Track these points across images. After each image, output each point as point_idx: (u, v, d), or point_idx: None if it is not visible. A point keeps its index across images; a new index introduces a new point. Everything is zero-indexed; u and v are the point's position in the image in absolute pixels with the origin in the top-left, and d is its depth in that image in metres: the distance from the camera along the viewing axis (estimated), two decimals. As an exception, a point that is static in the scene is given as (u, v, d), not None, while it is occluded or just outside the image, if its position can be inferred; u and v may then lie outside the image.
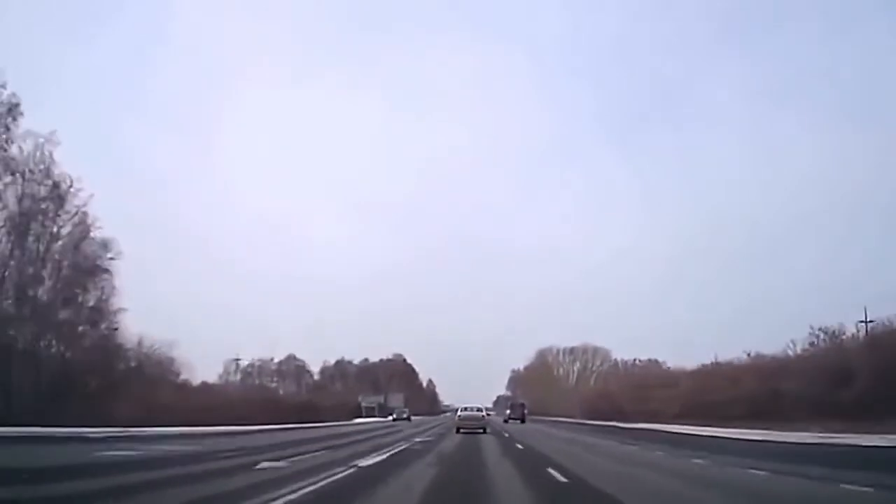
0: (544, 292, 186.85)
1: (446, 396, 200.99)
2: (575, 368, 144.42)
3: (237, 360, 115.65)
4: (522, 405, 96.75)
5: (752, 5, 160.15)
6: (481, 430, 46.28)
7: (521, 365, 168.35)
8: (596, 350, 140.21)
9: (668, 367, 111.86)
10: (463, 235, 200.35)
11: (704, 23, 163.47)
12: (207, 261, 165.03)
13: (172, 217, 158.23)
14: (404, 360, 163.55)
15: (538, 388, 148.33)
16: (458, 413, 53.92)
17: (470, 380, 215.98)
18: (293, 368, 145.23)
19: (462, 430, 46.64)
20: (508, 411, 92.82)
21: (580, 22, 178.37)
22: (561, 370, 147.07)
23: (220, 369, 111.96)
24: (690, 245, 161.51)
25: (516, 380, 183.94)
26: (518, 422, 78.78)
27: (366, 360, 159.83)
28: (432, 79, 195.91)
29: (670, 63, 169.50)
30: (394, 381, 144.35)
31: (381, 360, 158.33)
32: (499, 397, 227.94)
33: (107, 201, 71.71)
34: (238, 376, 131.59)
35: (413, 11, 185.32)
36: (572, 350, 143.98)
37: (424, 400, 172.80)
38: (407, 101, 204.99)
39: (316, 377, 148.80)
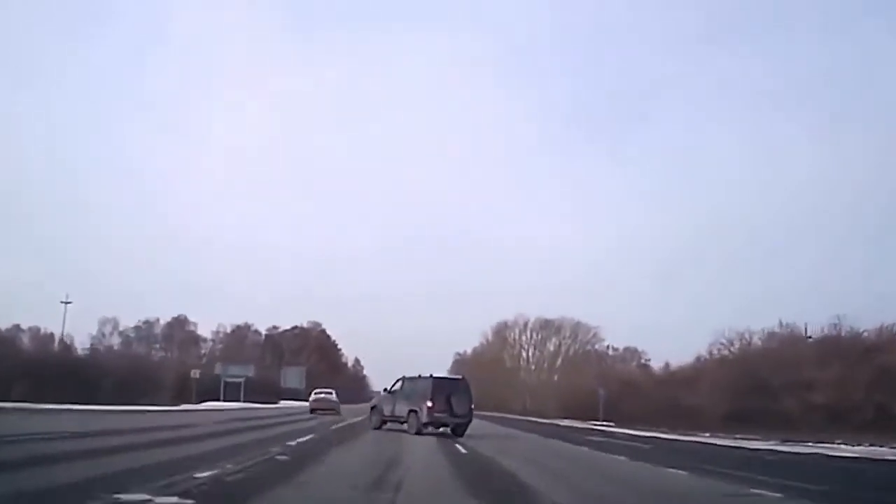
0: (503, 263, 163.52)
1: (378, 383, 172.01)
2: (548, 350, 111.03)
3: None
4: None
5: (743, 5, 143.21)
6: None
7: (470, 346, 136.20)
8: (577, 326, 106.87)
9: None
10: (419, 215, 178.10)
11: (698, 21, 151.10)
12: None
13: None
14: (322, 331, 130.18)
15: (491, 375, 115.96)
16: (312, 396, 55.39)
17: (410, 365, 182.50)
18: (184, 334, 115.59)
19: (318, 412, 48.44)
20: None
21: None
22: (527, 353, 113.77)
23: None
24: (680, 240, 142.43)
25: (461, 366, 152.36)
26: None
27: (274, 328, 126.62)
28: (399, 64, 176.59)
29: (657, 61, 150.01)
30: (304, 354, 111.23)
31: (292, 329, 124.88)
32: None
33: None
34: (117, 339, 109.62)
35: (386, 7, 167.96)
36: (545, 325, 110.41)
37: (347, 383, 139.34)
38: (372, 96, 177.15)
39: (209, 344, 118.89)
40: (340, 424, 35.19)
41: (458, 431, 28.99)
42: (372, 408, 33.69)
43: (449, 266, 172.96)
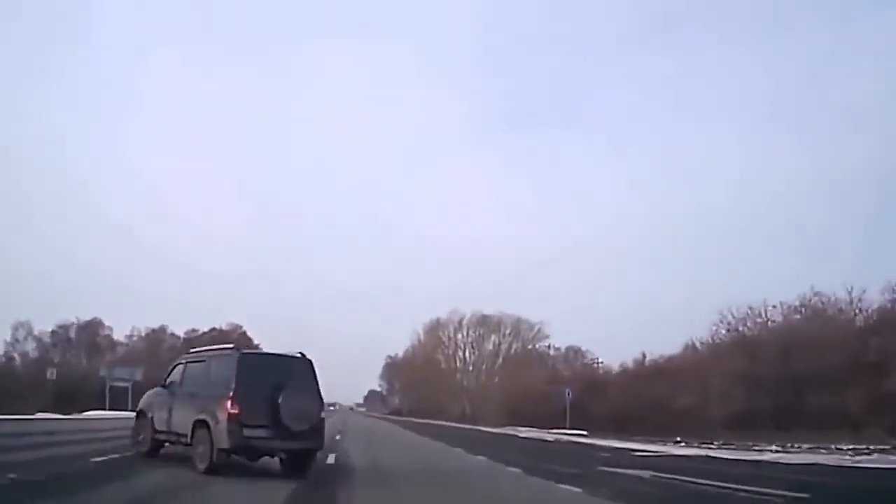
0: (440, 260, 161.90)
1: None
2: (487, 349, 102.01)
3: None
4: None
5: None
6: None
7: (401, 349, 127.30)
8: (518, 323, 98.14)
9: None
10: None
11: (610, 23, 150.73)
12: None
13: None
14: (243, 333, 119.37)
15: (425, 378, 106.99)
16: None
17: (342, 371, 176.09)
18: (100, 339, 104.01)
19: None
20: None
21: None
22: (463, 353, 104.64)
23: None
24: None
25: (393, 369, 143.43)
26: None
27: (193, 330, 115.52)
28: (321, 67, 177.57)
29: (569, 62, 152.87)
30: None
31: (209, 331, 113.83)
32: (370, 392, 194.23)
33: None
34: (32, 345, 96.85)
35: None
36: (482, 321, 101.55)
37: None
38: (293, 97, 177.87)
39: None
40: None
41: (298, 465, 15.79)
42: (137, 414, 18.34)
43: (378, 267, 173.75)
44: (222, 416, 14.37)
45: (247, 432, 14.46)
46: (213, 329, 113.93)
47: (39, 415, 44.30)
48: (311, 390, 15.61)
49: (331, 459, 18.41)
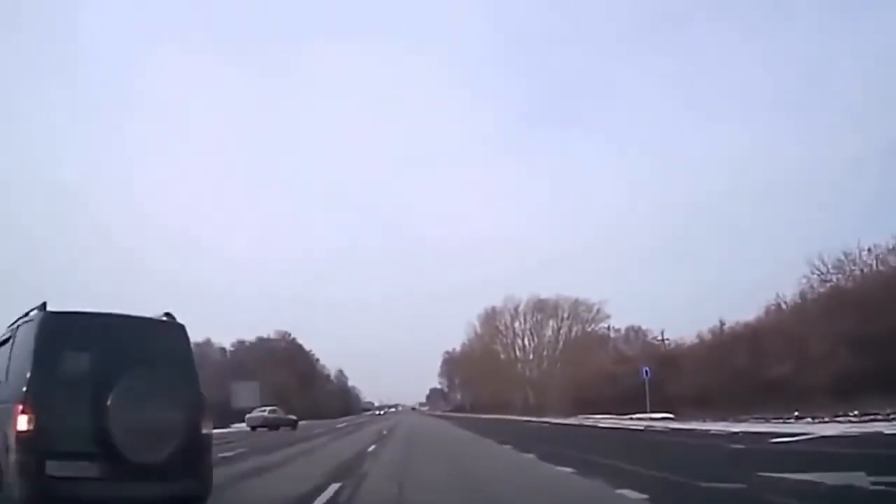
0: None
1: (371, 393, 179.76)
2: (546, 335, 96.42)
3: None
4: None
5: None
6: None
7: (458, 344, 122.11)
8: (576, 305, 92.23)
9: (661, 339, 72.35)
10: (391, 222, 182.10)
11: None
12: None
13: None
14: (292, 340, 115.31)
15: (485, 372, 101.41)
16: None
17: (404, 372, 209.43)
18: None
19: None
20: None
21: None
22: (522, 341, 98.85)
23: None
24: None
25: (451, 364, 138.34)
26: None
27: (240, 342, 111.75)
28: (338, 79, 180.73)
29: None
30: (269, 367, 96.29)
31: (256, 340, 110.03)
32: (431, 390, 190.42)
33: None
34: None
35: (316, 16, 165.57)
36: (539, 305, 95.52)
37: (327, 396, 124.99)
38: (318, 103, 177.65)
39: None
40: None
41: None
42: None
43: (428, 267, 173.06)
44: (11, 440, 7.53)
45: (54, 469, 7.43)
46: (260, 338, 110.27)
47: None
48: (175, 384, 8.32)
49: (330, 491, 11.21)
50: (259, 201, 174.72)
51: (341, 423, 56.00)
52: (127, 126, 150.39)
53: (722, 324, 57.88)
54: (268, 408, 58.04)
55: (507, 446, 21.63)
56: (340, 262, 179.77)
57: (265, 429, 51.35)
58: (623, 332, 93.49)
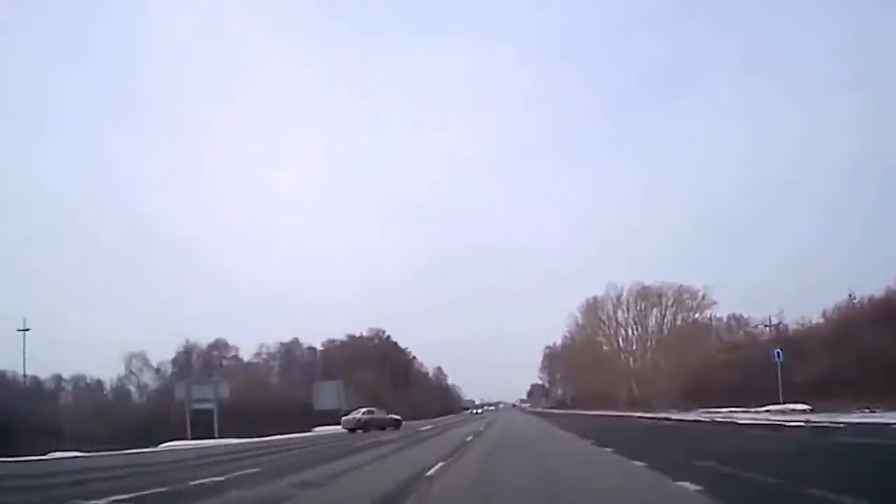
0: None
1: (471, 390, 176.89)
2: (650, 324, 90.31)
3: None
4: None
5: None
6: None
7: (558, 337, 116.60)
8: (681, 291, 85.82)
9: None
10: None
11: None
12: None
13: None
14: (386, 337, 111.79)
15: (587, 365, 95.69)
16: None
17: (505, 370, 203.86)
18: (220, 361, 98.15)
19: None
20: None
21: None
22: (625, 331, 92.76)
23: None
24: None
25: (552, 359, 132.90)
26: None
27: (331, 340, 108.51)
28: (431, 82, 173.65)
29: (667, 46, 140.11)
30: (358, 366, 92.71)
31: (347, 338, 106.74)
32: (532, 387, 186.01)
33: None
34: (149, 376, 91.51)
35: (400, 16, 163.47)
36: (643, 293, 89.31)
37: (425, 395, 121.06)
38: (416, 104, 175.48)
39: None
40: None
41: None
42: None
43: (528, 261, 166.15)
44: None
45: None
46: (352, 337, 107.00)
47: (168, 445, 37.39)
48: None
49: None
50: (356, 203, 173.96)
51: (427, 425, 50.92)
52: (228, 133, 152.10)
53: (852, 297, 50.87)
54: (362, 409, 56.01)
55: (619, 455, 15.87)
56: (436, 261, 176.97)
57: (360, 431, 49.11)
58: (725, 320, 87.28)
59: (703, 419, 38.21)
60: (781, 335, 59.54)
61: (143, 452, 31.07)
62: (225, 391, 48.69)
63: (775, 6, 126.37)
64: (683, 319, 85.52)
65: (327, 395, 61.83)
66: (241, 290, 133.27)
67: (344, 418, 54.01)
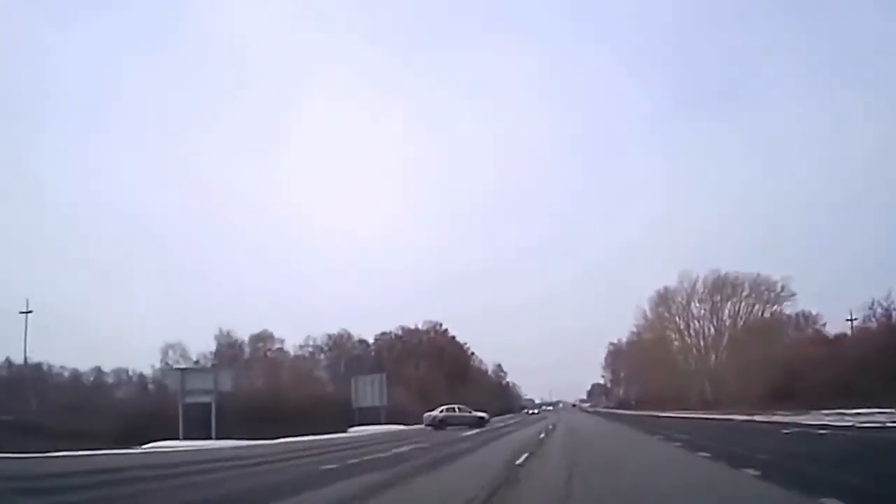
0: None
1: (530, 390, 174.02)
2: (725, 317, 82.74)
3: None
4: None
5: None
6: None
7: (625, 334, 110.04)
8: (757, 281, 78.37)
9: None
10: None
11: None
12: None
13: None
14: (443, 330, 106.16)
15: (655, 362, 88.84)
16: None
17: (565, 368, 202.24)
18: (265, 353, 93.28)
19: None
20: None
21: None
22: (700, 325, 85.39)
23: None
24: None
25: (616, 357, 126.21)
26: None
27: (383, 333, 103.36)
28: (495, 79, 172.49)
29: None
30: (411, 361, 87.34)
31: (401, 331, 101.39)
32: (593, 386, 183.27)
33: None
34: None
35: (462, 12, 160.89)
36: (719, 283, 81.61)
37: (483, 393, 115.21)
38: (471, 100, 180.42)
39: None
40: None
41: None
42: None
43: (595, 253, 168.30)
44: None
45: None
46: (404, 329, 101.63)
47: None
48: None
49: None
50: (417, 201, 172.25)
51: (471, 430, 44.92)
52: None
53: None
54: (444, 407, 56.41)
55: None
56: (499, 258, 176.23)
57: (431, 428, 49.57)
58: (793, 317, 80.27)
59: (807, 424, 31.07)
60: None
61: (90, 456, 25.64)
62: (226, 382, 42.11)
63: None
64: (760, 312, 78.10)
65: (367, 390, 56.18)
66: (294, 283, 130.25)
67: (426, 414, 54.49)
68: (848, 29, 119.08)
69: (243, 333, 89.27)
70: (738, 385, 67.01)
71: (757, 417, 40.47)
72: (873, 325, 56.82)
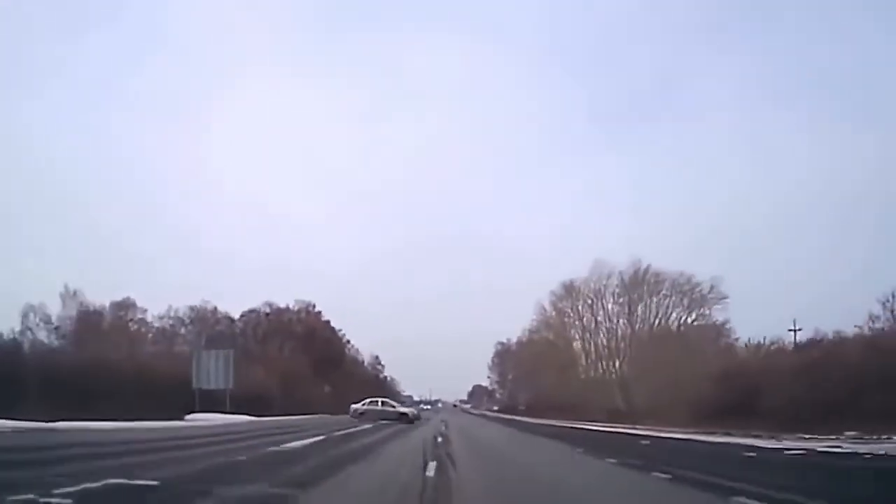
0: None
1: (410, 387, 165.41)
2: (640, 319, 72.80)
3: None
4: None
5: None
6: None
7: (515, 334, 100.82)
8: (681, 280, 69.63)
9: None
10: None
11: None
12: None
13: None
14: (317, 313, 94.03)
15: (549, 363, 79.26)
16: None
17: (447, 368, 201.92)
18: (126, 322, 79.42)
19: None
20: None
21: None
22: (611, 323, 75.08)
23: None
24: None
25: (505, 357, 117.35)
26: None
27: (251, 310, 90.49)
28: (419, 74, 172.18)
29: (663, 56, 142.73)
30: (274, 341, 75.22)
31: (268, 308, 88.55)
32: (475, 387, 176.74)
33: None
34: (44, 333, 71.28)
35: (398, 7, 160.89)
36: (634, 279, 71.45)
37: (359, 383, 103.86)
38: (391, 96, 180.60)
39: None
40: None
41: None
42: None
43: (483, 264, 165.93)
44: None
45: None
46: (273, 307, 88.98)
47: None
48: None
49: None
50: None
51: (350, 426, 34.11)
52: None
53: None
54: (367, 400, 56.87)
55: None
56: (386, 253, 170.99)
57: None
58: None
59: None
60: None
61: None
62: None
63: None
64: (686, 315, 69.19)
65: (211, 369, 43.86)
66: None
67: (352, 406, 54.56)
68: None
69: (102, 297, 75.21)
70: (660, 396, 57.54)
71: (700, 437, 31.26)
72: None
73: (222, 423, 34.11)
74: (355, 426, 35.44)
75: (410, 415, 54.57)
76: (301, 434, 25.37)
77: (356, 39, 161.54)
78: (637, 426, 47.85)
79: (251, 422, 38.41)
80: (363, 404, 54.23)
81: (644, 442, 28.80)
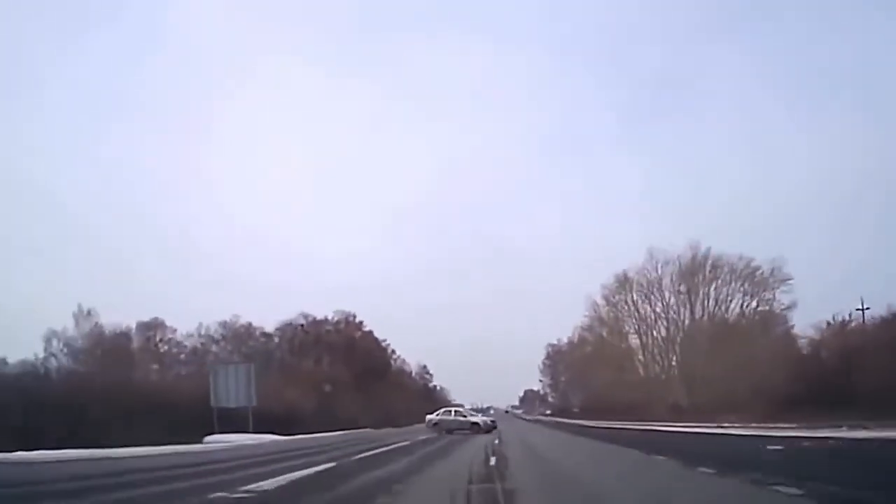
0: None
1: (460, 394, 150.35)
2: (700, 307, 67.60)
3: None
4: None
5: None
6: None
7: (566, 334, 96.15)
8: (741, 264, 64.58)
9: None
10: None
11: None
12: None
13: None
14: (358, 324, 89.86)
15: (604, 361, 74.54)
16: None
17: (497, 372, 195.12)
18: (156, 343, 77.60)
19: None
20: None
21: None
22: (667, 316, 69.93)
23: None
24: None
25: (556, 359, 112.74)
26: None
27: (287, 324, 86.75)
28: (441, 81, 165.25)
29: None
30: (310, 355, 71.42)
31: (305, 320, 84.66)
32: (526, 392, 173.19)
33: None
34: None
35: (414, 14, 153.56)
36: (691, 266, 66.25)
37: (407, 395, 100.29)
38: (413, 104, 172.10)
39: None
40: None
41: None
42: None
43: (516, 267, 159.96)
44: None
45: None
46: (310, 319, 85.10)
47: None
48: None
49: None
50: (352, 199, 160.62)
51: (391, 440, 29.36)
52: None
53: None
54: (441, 410, 58.01)
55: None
56: (432, 261, 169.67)
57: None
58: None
59: None
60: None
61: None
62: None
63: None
64: (746, 302, 64.06)
65: (231, 385, 39.97)
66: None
67: (427, 416, 55.78)
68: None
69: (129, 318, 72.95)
70: (719, 391, 52.80)
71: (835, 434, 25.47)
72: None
73: (235, 446, 30.11)
74: (386, 444, 30.17)
75: (482, 424, 50.95)
76: (310, 460, 19.48)
77: (375, 49, 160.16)
78: (707, 423, 43.14)
79: (273, 442, 34.44)
80: (437, 414, 54.72)
81: (775, 447, 20.31)
